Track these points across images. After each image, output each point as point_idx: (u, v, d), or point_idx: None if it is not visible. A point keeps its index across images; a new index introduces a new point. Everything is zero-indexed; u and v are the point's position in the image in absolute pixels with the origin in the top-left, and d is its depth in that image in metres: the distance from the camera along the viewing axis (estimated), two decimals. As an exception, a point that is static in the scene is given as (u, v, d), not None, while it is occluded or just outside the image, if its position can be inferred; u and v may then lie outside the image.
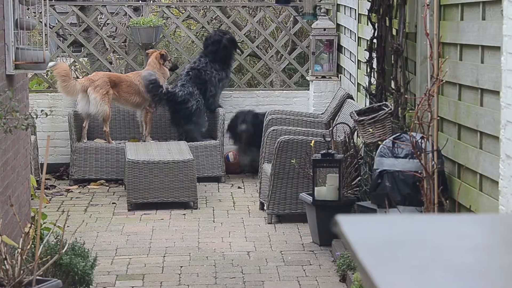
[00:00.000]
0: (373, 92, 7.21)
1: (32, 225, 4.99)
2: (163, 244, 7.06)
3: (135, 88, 9.27)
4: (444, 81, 5.51)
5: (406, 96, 6.57)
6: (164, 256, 6.71)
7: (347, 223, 1.83)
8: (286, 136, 7.65)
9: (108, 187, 9.02)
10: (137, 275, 6.26)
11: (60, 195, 8.74)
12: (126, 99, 9.26)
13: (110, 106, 9.15)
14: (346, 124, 7.51)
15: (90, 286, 5.40)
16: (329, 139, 7.22)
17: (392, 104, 6.68)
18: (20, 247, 4.78)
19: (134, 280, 6.15)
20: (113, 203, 8.44)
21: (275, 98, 9.91)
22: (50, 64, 9.11)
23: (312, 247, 6.94)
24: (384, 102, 6.84)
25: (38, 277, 4.78)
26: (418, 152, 5.43)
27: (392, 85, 6.79)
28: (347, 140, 7.36)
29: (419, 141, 5.49)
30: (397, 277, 1.60)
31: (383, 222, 1.93)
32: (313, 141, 7.35)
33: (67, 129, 9.25)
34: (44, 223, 5.77)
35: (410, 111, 6.46)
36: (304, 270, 6.38)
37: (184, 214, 8.05)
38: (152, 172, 8.22)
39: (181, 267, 6.46)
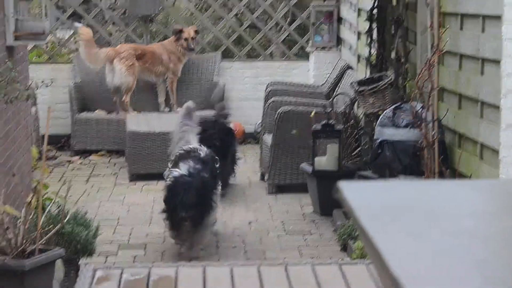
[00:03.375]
0: (373, 62, 7.21)
1: (34, 195, 5.01)
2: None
3: (158, 58, 9.37)
4: (444, 51, 5.51)
5: (406, 66, 6.57)
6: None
7: (349, 189, 1.85)
8: (286, 107, 7.65)
9: (109, 158, 9.05)
10: (139, 245, 6.29)
11: (62, 166, 8.77)
12: (150, 70, 9.38)
13: (135, 79, 9.20)
14: (346, 94, 7.51)
15: (93, 255, 5.43)
16: (329, 110, 7.23)
17: (393, 74, 6.68)
18: (22, 216, 4.81)
19: (136, 250, 6.18)
20: (115, 173, 8.46)
21: (275, 70, 9.90)
22: (77, 25, 9.15)
23: (313, 217, 6.97)
24: (384, 73, 6.84)
25: (41, 246, 4.81)
26: (419, 122, 5.45)
27: (393, 56, 6.78)
28: (347, 110, 7.37)
29: (420, 110, 5.50)
30: (398, 242, 1.61)
31: (384, 188, 1.95)
32: (313, 112, 7.35)
33: (68, 101, 9.26)
34: (46, 193, 5.78)
35: (411, 81, 6.47)
36: (305, 240, 6.42)
37: (185, 185, 8.06)
38: (153, 143, 8.23)
39: (183, 237, 6.48)
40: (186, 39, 9.38)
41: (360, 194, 1.85)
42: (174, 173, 6.01)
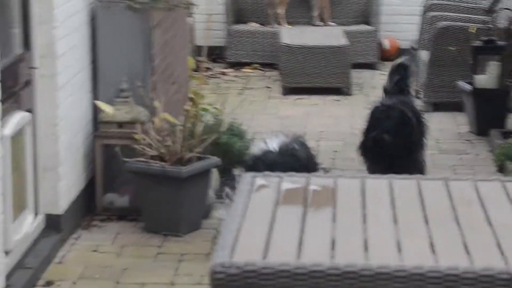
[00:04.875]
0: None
1: (192, 105, 5.08)
2: (317, 128, 7.08)
3: None
4: None
5: None
6: (318, 141, 6.73)
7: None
8: (445, 22, 7.44)
9: (263, 71, 9.07)
10: (292, 158, 6.31)
11: (216, 77, 8.87)
12: None
13: None
14: (510, 9, 7.21)
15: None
16: (491, 26, 6.97)
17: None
18: (180, 124, 4.89)
19: (288, 162, 6.21)
20: (268, 87, 8.49)
21: (433, -16, 9.58)
22: None
23: (468, 137, 6.80)
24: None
25: (197, 155, 4.89)
26: None
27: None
28: (510, 26, 7.08)
29: None
30: None
31: None
32: (474, 28, 7.10)
33: (223, 12, 9.30)
34: (201, 103, 5.86)
35: None
36: (460, 159, 6.28)
37: (338, 100, 8.02)
38: (306, 57, 8.20)
39: (335, 152, 6.47)
40: None
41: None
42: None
